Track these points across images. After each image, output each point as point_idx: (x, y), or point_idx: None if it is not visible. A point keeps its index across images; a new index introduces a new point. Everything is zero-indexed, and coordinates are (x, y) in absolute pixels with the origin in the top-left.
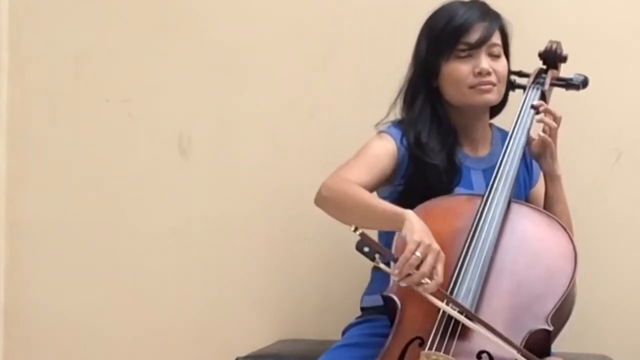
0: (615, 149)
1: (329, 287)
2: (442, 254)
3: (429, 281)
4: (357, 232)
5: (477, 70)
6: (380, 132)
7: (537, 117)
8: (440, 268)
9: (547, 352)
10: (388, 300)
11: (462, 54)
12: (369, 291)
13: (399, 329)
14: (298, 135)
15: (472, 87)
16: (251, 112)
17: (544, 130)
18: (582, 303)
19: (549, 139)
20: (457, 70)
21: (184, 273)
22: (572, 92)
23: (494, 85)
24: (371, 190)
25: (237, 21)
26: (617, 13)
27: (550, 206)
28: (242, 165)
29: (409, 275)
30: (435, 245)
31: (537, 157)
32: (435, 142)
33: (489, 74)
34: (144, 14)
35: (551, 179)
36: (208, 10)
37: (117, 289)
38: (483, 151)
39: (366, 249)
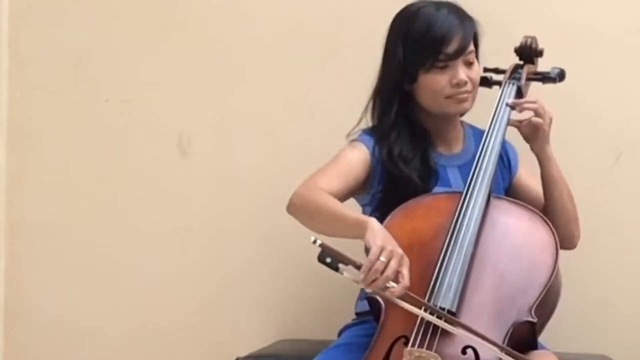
0: (615, 149)
1: (329, 287)
2: (405, 258)
3: (395, 285)
4: (317, 244)
5: (454, 81)
6: (352, 140)
7: (517, 109)
8: (405, 271)
9: (534, 345)
10: (372, 302)
11: (440, 64)
12: (362, 296)
13: (383, 329)
14: (297, 135)
15: (448, 97)
16: (251, 112)
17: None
18: (582, 303)
19: (539, 120)
20: (435, 81)
21: (184, 273)
22: (571, 93)
23: (469, 92)
24: (344, 198)
25: (237, 21)
26: (617, 13)
27: (546, 189)
28: (242, 165)
29: (374, 281)
30: (399, 250)
31: (527, 138)
32: (408, 149)
33: (465, 83)
34: (144, 14)
35: (543, 160)
36: (208, 11)
37: (117, 289)
38: (456, 148)
39: (328, 260)
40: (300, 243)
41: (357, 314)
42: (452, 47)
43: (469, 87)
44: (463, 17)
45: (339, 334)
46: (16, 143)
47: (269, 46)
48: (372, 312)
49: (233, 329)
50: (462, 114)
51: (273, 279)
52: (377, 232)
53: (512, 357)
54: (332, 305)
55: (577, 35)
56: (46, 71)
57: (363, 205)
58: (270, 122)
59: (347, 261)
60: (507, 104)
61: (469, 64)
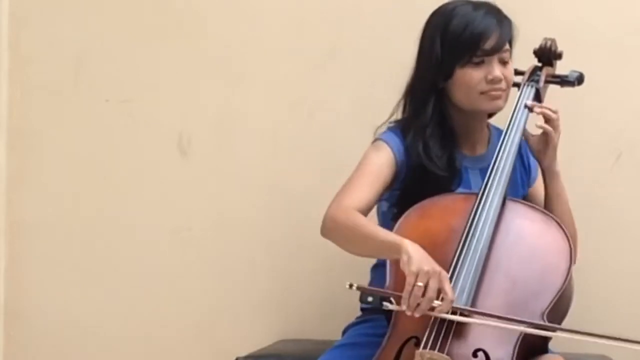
0: (615, 149)
1: (330, 287)
2: (444, 273)
3: (440, 302)
4: (354, 288)
5: (489, 77)
6: (376, 140)
7: (537, 110)
8: (447, 287)
9: (545, 350)
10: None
11: (476, 60)
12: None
13: (394, 329)
14: (298, 135)
15: (482, 93)
16: (251, 112)
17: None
18: (582, 303)
19: (550, 128)
20: (470, 76)
21: (184, 273)
22: (571, 92)
23: (504, 91)
24: (376, 203)
25: (237, 21)
26: (618, 13)
27: (551, 205)
28: (242, 166)
29: (418, 305)
30: (435, 267)
31: (538, 152)
32: (438, 148)
33: (500, 81)
34: (144, 14)
35: (550, 175)
36: (208, 11)
37: (117, 289)
38: (480, 150)
39: (370, 299)
40: (301, 243)
41: (362, 309)
42: (489, 44)
43: (503, 85)
44: (500, 17)
45: (343, 332)
46: (16, 143)
47: (269, 46)
48: (383, 311)
49: (233, 329)
50: (492, 114)
51: (273, 279)
52: (412, 255)
53: (538, 328)
54: (332, 305)
55: (577, 35)
56: (46, 71)
57: (381, 200)
58: (270, 122)
59: (388, 295)
60: (525, 105)
61: (504, 63)
